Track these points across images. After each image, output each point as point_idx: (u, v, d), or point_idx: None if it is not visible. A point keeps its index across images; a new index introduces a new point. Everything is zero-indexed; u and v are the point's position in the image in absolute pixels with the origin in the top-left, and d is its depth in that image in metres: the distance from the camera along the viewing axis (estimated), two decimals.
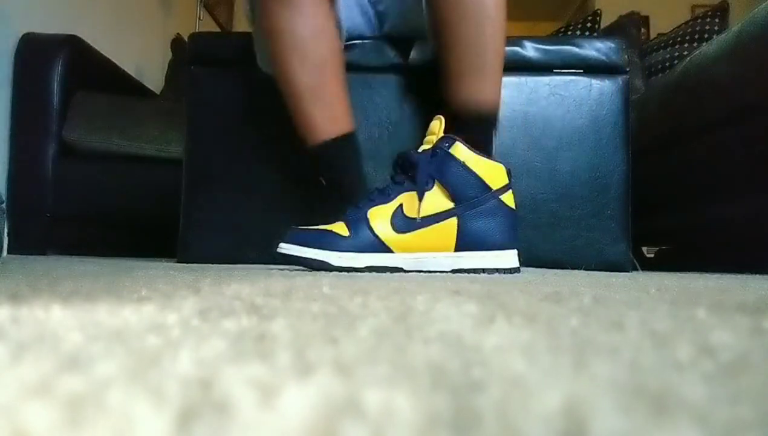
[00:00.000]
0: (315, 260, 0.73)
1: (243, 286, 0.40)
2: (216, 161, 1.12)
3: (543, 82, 1.11)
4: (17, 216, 1.58)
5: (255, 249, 1.07)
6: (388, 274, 0.71)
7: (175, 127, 1.67)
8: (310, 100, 0.89)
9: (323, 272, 0.70)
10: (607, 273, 0.92)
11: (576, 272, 0.94)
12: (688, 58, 1.33)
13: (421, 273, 0.73)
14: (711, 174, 1.25)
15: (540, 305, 0.30)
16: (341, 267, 0.73)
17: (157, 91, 2.37)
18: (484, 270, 0.75)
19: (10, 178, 1.64)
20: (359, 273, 0.71)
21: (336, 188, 0.95)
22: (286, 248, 0.75)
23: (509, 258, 0.76)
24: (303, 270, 0.77)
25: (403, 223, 0.74)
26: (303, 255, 0.74)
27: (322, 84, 0.90)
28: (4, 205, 0.94)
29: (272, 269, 0.84)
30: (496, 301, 0.32)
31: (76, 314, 0.23)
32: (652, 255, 1.96)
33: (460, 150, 0.76)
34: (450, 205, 0.75)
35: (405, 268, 0.75)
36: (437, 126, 0.79)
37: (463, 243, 0.75)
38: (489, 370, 0.15)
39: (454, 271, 0.75)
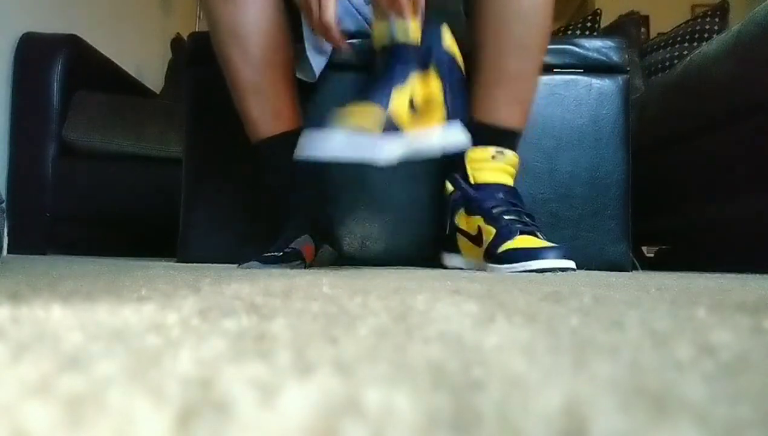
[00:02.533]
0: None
1: (243, 285, 0.40)
2: (216, 161, 1.12)
3: (543, 82, 1.11)
4: (17, 216, 1.57)
5: (255, 249, 1.07)
6: (388, 273, 0.71)
7: (175, 127, 1.67)
8: (251, 96, 0.89)
9: (323, 272, 0.71)
10: (607, 273, 0.92)
11: (576, 271, 0.94)
12: (688, 58, 1.33)
13: (421, 273, 0.74)
14: (711, 174, 1.25)
15: (540, 305, 0.30)
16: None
17: (157, 91, 2.37)
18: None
19: (10, 178, 1.64)
20: (359, 272, 0.72)
21: (275, 187, 0.93)
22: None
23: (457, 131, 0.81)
24: (303, 270, 0.77)
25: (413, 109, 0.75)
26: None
27: (265, 80, 0.89)
28: (4, 205, 0.93)
29: (272, 268, 0.84)
30: (496, 300, 0.32)
31: (76, 314, 0.23)
32: (652, 255, 1.96)
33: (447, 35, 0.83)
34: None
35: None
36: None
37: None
38: (489, 369, 0.15)
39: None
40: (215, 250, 1.09)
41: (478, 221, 0.88)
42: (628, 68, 1.13)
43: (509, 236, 0.82)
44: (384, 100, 0.69)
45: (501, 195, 0.87)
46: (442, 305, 0.29)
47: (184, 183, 1.13)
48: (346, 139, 0.66)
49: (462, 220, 0.91)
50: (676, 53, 2.03)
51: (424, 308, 0.28)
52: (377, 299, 0.32)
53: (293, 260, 0.84)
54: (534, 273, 0.79)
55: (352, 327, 0.22)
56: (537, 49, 0.89)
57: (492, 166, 0.88)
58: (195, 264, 1.00)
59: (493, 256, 0.83)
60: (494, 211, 0.85)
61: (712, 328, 0.22)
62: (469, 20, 0.91)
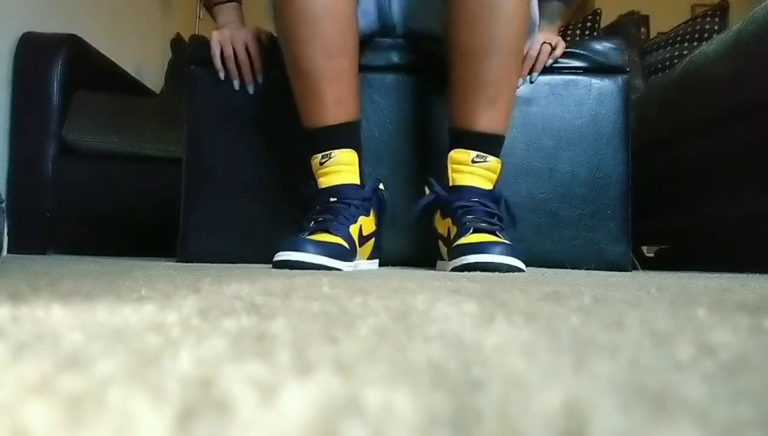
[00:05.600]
0: (333, 268, 0.79)
1: (243, 285, 0.40)
2: (216, 161, 1.12)
3: (543, 82, 1.11)
4: (17, 216, 1.57)
5: (255, 249, 1.07)
6: (388, 273, 0.71)
7: (175, 127, 1.66)
8: (317, 81, 0.87)
9: (323, 272, 0.71)
10: (607, 273, 0.92)
11: (576, 271, 0.94)
12: (688, 58, 1.33)
13: (421, 273, 0.74)
14: (711, 174, 1.25)
15: (540, 305, 0.30)
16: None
17: (157, 91, 2.37)
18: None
19: (10, 178, 1.64)
20: (359, 272, 0.72)
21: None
22: (303, 256, 0.77)
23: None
24: (303, 270, 0.77)
25: (361, 239, 0.89)
26: (322, 263, 0.78)
27: (332, 66, 0.87)
28: (3, 204, 0.93)
29: (272, 268, 0.84)
30: (496, 300, 0.32)
31: (76, 314, 0.23)
32: (652, 255, 1.96)
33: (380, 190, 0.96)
34: (374, 227, 0.95)
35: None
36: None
37: (372, 254, 0.97)
38: (489, 369, 0.15)
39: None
40: (215, 250, 1.09)
41: (448, 222, 0.88)
42: (628, 68, 1.13)
43: (464, 233, 0.81)
44: (343, 233, 0.84)
45: (475, 198, 0.86)
46: (442, 305, 0.29)
47: (184, 183, 1.13)
48: (326, 247, 0.79)
49: (439, 223, 0.92)
50: (676, 53, 2.03)
51: (424, 308, 0.28)
52: (377, 298, 0.32)
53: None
54: (532, 273, 0.79)
55: (352, 327, 0.22)
56: (513, 52, 0.87)
57: (471, 170, 0.87)
58: (195, 264, 1.00)
59: (449, 253, 0.83)
60: (460, 211, 0.85)
61: (712, 328, 0.22)
62: (445, 20, 0.90)
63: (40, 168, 1.64)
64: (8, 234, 0.96)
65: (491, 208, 0.86)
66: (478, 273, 0.74)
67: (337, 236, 0.82)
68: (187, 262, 1.08)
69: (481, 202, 0.86)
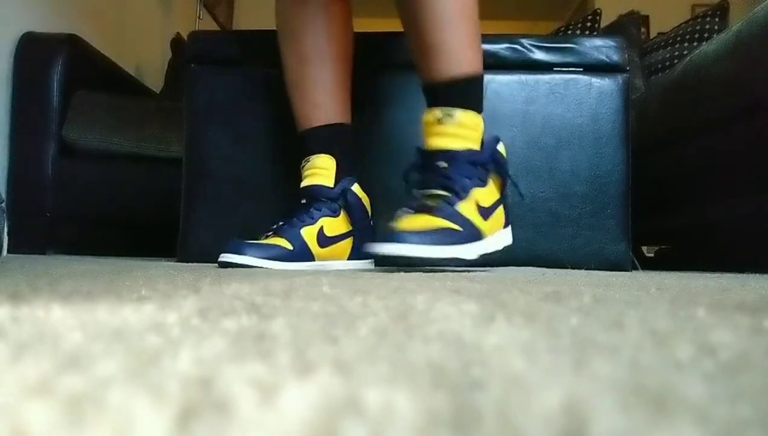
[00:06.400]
0: (272, 269, 0.82)
1: (243, 285, 0.40)
2: (216, 161, 1.12)
3: (543, 81, 1.11)
4: (17, 216, 1.57)
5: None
6: (387, 273, 0.71)
7: (175, 127, 1.66)
8: (295, 87, 0.95)
9: (323, 272, 0.71)
10: (607, 272, 0.92)
11: (576, 271, 0.94)
12: (688, 58, 1.33)
13: (421, 273, 0.74)
14: (711, 173, 1.25)
15: (540, 305, 0.30)
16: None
17: (157, 91, 2.37)
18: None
19: (10, 177, 1.64)
20: (359, 272, 0.72)
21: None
22: (239, 259, 0.82)
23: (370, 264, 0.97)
24: (303, 270, 0.77)
25: (323, 240, 0.90)
26: (258, 265, 0.82)
27: (307, 72, 0.93)
28: (3, 204, 0.93)
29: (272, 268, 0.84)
30: (496, 300, 0.32)
31: (76, 314, 0.24)
32: (652, 254, 1.96)
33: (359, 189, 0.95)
34: (349, 227, 0.94)
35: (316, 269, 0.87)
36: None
37: (353, 255, 0.95)
38: (489, 369, 0.15)
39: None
40: (215, 250, 1.09)
41: None
42: (628, 68, 1.13)
43: (401, 215, 0.74)
44: (293, 237, 0.87)
45: (444, 163, 0.77)
46: (442, 305, 0.29)
47: (184, 183, 1.13)
48: (263, 250, 0.84)
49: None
50: (676, 53, 2.03)
51: (424, 308, 0.28)
52: (377, 298, 0.32)
53: None
54: (532, 273, 0.78)
55: (352, 327, 0.22)
56: (464, 18, 0.80)
57: (439, 131, 0.78)
58: (195, 264, 1.00)
59: None
60: (414, 184, 0.80)
61: (712, 328, 0.22)
62: None
63: (40, 168, 1.64)
64: (8, 234, 0.96)
65: (451, 178, 0.76)
66: (478, 273, 0.74)
67: (282, 238, 0.86)
68: (187, 262, 1.08)
69: (444, 168, 0.77)
